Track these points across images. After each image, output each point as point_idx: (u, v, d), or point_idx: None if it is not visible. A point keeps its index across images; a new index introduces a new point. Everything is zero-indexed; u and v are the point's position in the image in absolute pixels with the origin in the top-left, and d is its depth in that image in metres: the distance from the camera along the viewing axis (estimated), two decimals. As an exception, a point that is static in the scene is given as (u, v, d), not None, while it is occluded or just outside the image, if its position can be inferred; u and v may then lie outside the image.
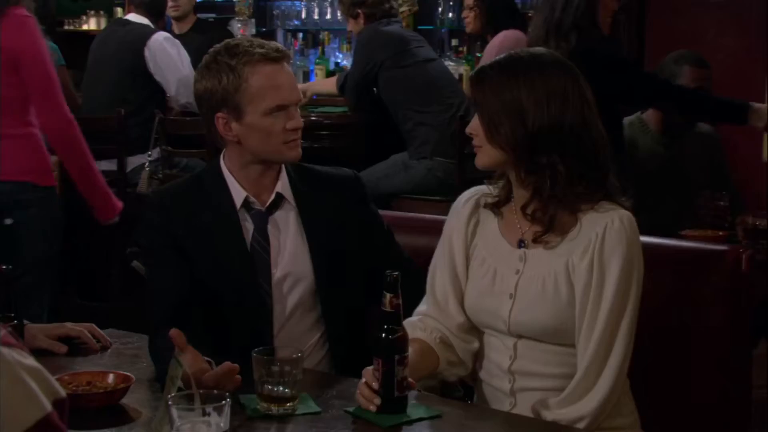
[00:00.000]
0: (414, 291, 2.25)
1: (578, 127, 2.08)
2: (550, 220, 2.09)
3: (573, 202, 2.09)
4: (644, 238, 2.12)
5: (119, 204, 3.73)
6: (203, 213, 2.33)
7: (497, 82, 2.10)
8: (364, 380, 1.96)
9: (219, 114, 2.31)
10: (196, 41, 5.57)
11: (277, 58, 2.31)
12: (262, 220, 2.34)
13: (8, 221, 3.42)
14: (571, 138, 2.08)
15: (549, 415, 2.06)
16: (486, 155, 2.13)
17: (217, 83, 2.30)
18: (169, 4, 5.54)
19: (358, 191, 2.46)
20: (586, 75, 2.12)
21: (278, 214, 2.36)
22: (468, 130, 2.16)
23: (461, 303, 2.21)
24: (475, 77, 2.15)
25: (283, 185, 2.37)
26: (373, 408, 1.93)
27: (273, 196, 2.35)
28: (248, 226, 2.34)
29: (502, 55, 2.18)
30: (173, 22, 5.76)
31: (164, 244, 2.31)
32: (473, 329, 2.22)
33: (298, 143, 2.33)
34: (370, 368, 1.96)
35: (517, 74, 2.09)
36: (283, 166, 2.39)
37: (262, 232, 2.34)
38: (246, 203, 2.34)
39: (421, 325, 2.21)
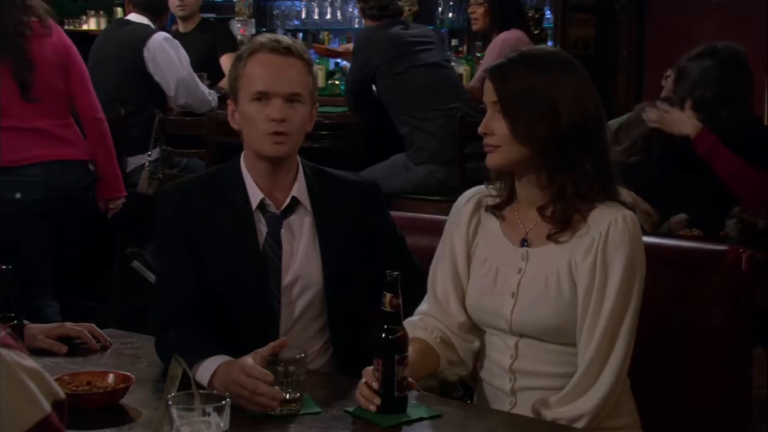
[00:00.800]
0: (421, 298, 2.26)
1: (596, 125, 2.10)
2: (567, 219, 2.09)
3: (590, 200, 2.09)
4: (645, 238, 2.12)
5: (125, 192, 4.23)
6: (218, 211, 2.31)
7: (526, 80, 2.08)
8: (364, 380, 1.96)
9: (228, 101, 2.37)
10: (198, 41, 5.57)
11: (276, 48, 2.30)
12: (276, 223, 2.33)
13: (91, 194, 4.02)
14: (592, 136, 2.09)
15: (549, 414, 2.06)
16: (505, 155, 2.10)
17: (230, 72, 2.38)
18: (176, 3, 5.54)
19: (375, 199, 2.44)
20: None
21: (293, 218, 2.35)
22: (482, 129, 2.12)
23: (462, 302, 2.21)
24: (499, 74, 2.11)
25: (299, 188, 2.35)
26: (373, 408, 1.93)
27: (288, 200, 2.34)
28: (262, 228, 2.33)
29: (516, 53, 2.15)
30: (179, 21, 5.76)
31: (176, 240, 2.30)
32: (474, 329, 2.22)
33: (282, 140, 2.28)
34: (370, 368, 1.95)
35: (545, 71, 2.08)
36: (300, 169, 2.37)
37: (274, 236, 2.32)
38: (261, 205, 2.33)
39: (422, 324, 2.21)
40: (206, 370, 2.04)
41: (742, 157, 3.53)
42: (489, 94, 2.12)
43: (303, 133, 2.33)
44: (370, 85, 5.08)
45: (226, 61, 5.50)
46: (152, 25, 5.05)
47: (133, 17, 5.13)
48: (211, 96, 5.11)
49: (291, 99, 2.29)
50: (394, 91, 4.98)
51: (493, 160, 2.12)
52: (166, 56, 4.90)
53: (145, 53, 4.89)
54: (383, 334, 1.93)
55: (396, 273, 1.93)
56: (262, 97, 2.28)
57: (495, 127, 2.10)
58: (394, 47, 5.00)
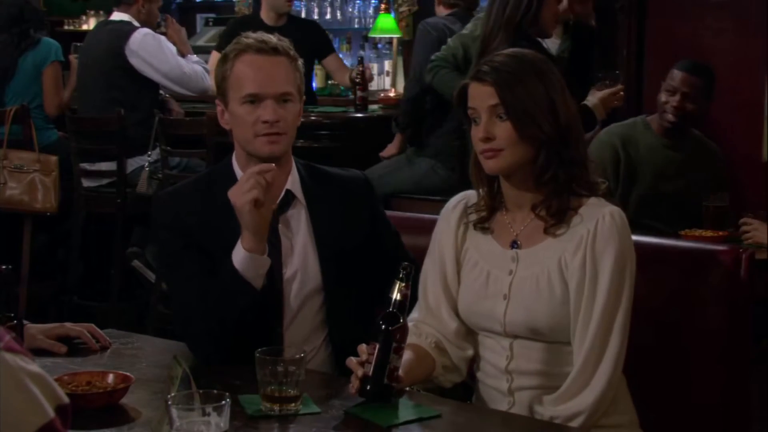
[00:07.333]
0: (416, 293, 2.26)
1: (578, 120, 2.15)
2: (563, 213, 2.10)
3: (578, 196, 2.12)
4: (644, 238, 2.13)
5: None
6: (215, 212, 2.30)
7: (526, 81, 2.09)
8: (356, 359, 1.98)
9: (217, 101, 2.37)
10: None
11: (263, 49, 2.30)
12: (273, 219, 2.32)
13: None
14: (579, 131, 2.15)
15: (547, 412, 2.06)
16: (508, 157, 2.09)
17: (216, 72, 2.37)
18: None
19: (366, 193, 2.46)
20: None
21: (289, 213, 2.35)
22: (485, 134, 2.09)
23: (454, 309, 2.22)
24: (496, 77, 2.10)
25: (293, 182, 2.36)
26: (360, 373, 1.94)
27: (283, 194, 2.34)
28: None
29: (502, 56, 2.16)
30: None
31: (180, 245, 2.30)
32: (467, 335, 2.22)
33: (276, 140, 2.28)
34: (364, 345, 1.97)
35: (538, 73, 2.11)
36: (293, 165, 2.38)
37: (273, 231, 2.31)
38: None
39: (416, 330, 2.21)
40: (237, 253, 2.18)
41: None
42: (484, 99, 2.11)
43: (296, 129, 2.34)
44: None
45: None
46: (133, 21, 5.01)
47: (114, 16, 5.12)
48: (203, 75, 5.04)
49: (282, 99, 2.30)
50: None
51: (495, 164, 2.11)
52: (149, 51, 4.89)
53: (127, 52, 4.88)
54: (386, 320, 1.94)
55: (412, 265, 1.96)
56: (253, 99, 2.28)
57: (496, 130, 2.10)
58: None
